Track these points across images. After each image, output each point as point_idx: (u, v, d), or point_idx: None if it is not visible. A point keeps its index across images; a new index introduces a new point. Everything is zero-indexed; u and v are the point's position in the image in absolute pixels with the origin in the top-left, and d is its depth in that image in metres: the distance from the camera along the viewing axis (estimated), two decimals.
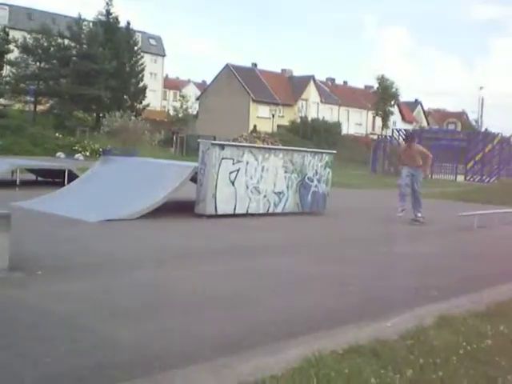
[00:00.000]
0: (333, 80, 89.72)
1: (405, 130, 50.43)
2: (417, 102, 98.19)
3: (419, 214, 15.79)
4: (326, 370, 4.53)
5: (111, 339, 5.26)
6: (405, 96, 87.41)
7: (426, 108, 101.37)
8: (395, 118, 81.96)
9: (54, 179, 19.97)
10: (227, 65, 75.07)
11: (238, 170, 14.69)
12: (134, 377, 4.46)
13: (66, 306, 6.22)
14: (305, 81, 78.94)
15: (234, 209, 14.69)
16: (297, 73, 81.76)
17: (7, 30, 55.69)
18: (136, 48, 64.52)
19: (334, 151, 18.43)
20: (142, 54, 66.35)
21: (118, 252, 9.52)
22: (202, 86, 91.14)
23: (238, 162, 14.71)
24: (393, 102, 76.35)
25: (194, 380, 4.41)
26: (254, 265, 9.13)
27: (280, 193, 15.88)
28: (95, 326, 5.61)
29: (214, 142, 16.44)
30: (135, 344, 5.19)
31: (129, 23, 63.31)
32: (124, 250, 9.72)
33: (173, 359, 4.83)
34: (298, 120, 71.12)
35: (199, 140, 16.37)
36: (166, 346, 5.16)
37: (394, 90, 74.60)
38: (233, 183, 14.61)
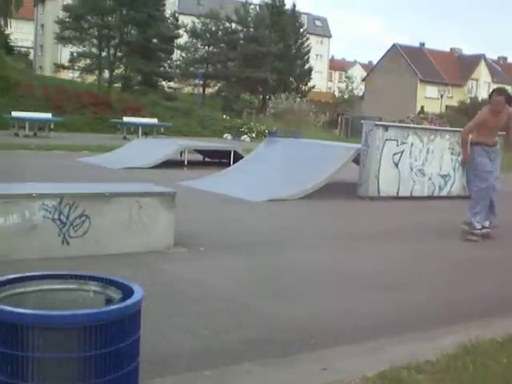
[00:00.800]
0: (505, 58, 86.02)
1: None
2: None
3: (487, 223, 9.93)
4: (483, 359, 4.38)
5: (268, 316, 5.37)
6: None
7: None
8: None
9: (220, 160, 20.53)
10: (394, 45, 73.97)
11: (402, 152, 14.42)
12: (290, 353, 4.52)
13: (226, 282, 6.42)
14: (475, 60, 76.37)
15: (398, 191, 14.45)
16: (466, 52, 79.28)
17: (177, 15, 57.85)
18: (302, 30, 65.03)
19: (504, 132, 17.62)
20: (307, 35, 66.80)
21: (280, 231, 9.67)
22: (368, 67, 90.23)
23: (403, 143, 14.44)
24: None
25: (345, 360, 4.41)
26: (416, 248, 8.95)
27: (446, 175, 15.43)
28: (253, 303, 5.75)
29: (377, 122, 16.24)
30: (290, 322, 5.26)
31: (294, 5, 64.00)
32: (285, 230, 9.85)
33: (325, 338, 4.86)
34: (468, 101, 68.72)
35: (362, 121, 16.22)
36: (320, 326, 5.20)
37: None
38: (396, 165, 14.36)
